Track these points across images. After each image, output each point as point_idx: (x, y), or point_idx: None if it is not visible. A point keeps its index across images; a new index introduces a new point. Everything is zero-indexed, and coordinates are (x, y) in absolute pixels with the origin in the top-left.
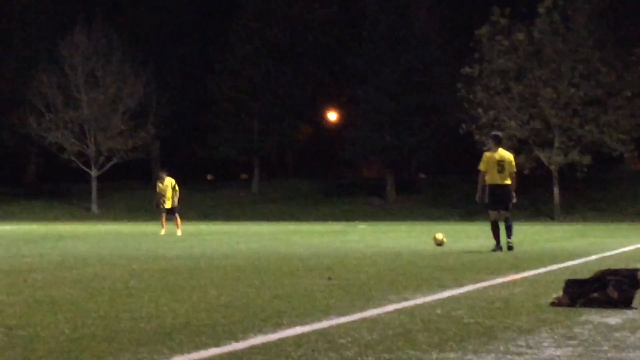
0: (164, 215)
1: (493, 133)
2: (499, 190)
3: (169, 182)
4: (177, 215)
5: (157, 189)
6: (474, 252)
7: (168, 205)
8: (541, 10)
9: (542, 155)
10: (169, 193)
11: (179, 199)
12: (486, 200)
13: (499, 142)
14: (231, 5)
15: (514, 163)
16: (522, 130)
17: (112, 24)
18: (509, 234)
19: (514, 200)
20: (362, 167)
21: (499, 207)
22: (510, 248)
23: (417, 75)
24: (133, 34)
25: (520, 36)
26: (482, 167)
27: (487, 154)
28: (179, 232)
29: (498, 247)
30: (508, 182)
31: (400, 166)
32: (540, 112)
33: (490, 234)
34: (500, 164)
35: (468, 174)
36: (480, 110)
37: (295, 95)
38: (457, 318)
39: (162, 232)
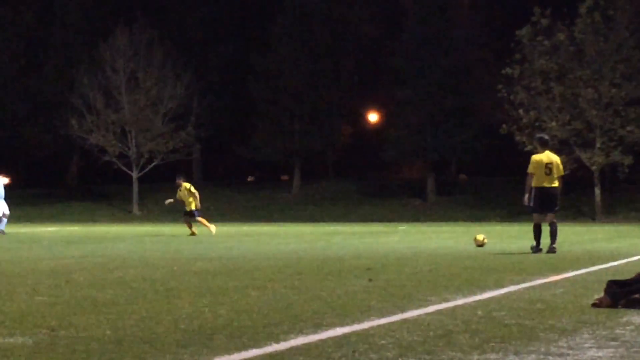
0: (186, 219)
1: (539, 135)
2: (546, 193)
3: (184, 187)
4: (199, 218)
5: (177, 196)
6: (514, 253)
7: (189, 208)
8: (582, 10)
9: (584, 156)
10: (187, 198)
11: (198, 200)
12: (531, 203)
13: (545, 145)
14: (271, 6)
15: (561, 167)
16: (563, 130)
17: (153, 25)
18: (553, 239)
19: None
20: (403, 168)
21: (545, 210)
22: (551, 251)
23: (458, 76)
24: (174, 35)
25: (561, 36)
26: (530, 169)
27: (535, 157)
28: (213, 231)
29: (538, 248)
30: (556, 184)
31: (440, 167)
32: (582, 113)
33: (532, 235)
34: (549, 166)
35: (509, 175)
36: (521, 111)
37: (336, 96)
38: (498, 319)
39: (194, 232)
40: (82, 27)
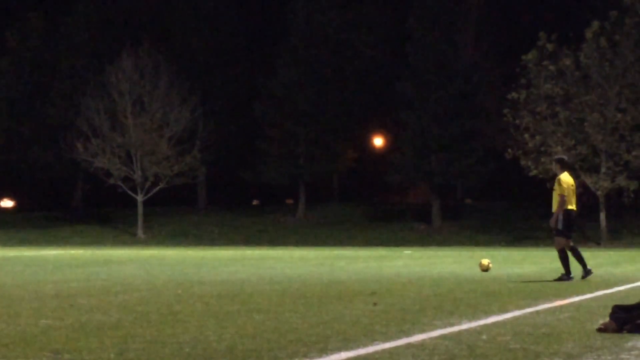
0: None
1: (560, 156)
2: (575, 217)
3: None
4: None
5: None
6: (519, 278)
7: None
8: (588, 35)
9: (589, 181)
10: None
11: None
12: (560, 226)
13: (565, 166)
14: (277, 31)
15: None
16: (569, 155)
17: (159, 49)
18: (584, 262)
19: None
20: (408, 192)
21: (572, 234)
22: (589, 273)
23: (464, 101)
24: (180, 59)
25: (567, 61)
26: (565, 191)
27: (565, 178)
28: None
29: (570, 276)
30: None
31: (446, 191)
32: (587, 138)
33: (560, 262)
34: (572, 188)
35: (514, 200)
36: (526, 135)
37: (341, 120)
38: (502, 344)
39: None
40: (88, 51)
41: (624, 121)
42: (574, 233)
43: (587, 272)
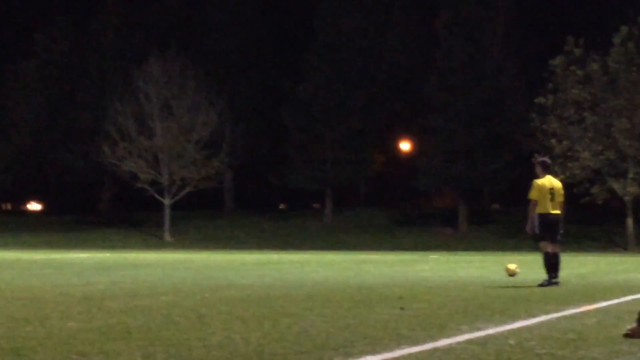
0: None
1: (542, 159)
2: (551, 220)
3: None
4: None
5: None
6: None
7: None
8: (616, 40)
9: (616, 186)
10: None
11: None
12: (536, 230)
13: (547, 169)
14: (304, 35)
15: (562, 192)
16: (596, 160)
17: (186, 53)
18: (557, 271)
19: (562, 231)
20: (435, 197)
21: (550, 238)
22: (555, 284)
23: (491, 105)
24: (207, 63)
25: (595, 66)
26: (534, 195)
27: (538, 182)
28: None
29: (551, 281)
30: (559, 211)
31: (473, 196)
32: (614, 143)
33: (544, 266)
34: (552, 191)
35: None
36: (553, 140)
37: (368, 125)
38: (529, 349)
39: None
40: (115, 55)
41: None
42: (557, 236)
43: (549, 282)
